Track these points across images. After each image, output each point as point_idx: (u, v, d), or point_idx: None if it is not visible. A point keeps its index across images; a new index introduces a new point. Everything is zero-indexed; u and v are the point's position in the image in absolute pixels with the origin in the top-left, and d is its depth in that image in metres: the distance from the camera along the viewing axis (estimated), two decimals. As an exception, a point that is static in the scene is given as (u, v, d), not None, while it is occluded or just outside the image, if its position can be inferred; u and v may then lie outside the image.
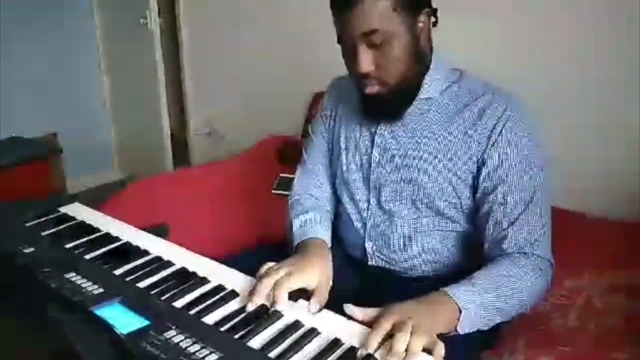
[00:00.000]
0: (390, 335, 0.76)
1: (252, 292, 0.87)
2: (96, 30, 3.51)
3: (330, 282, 0.99)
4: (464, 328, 0.89)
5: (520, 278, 0.96)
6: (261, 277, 0.90)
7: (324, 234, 1.14)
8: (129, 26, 3.22)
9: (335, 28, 1.04)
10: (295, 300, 0.88)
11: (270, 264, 0.95)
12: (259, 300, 0.85)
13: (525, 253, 1.00)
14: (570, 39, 1.87)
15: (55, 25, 3.25)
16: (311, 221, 1.15)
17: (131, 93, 3.49)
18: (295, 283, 0.90)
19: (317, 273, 0.96)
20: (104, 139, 3.70)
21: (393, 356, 0.72)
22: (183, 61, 3.37)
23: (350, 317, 0.83)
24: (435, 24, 1.08)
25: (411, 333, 0.75)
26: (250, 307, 0.84)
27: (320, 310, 0.87)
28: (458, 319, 0.88)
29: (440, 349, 0.75)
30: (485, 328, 0.94)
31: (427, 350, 0.75)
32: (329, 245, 1.12)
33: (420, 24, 1.03)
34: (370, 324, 0.80)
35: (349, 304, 0.84)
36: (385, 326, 0.77)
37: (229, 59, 3.10)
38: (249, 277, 0.94)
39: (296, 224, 1.15)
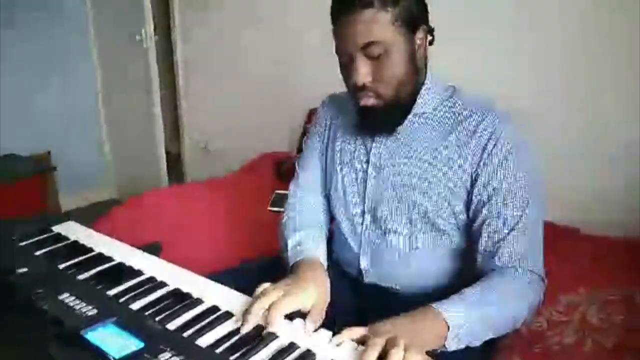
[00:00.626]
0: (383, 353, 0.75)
1: (246, 313, 0.86)
2: (92, 46, 3.52)
3: (327, 301, 0.99)
4: (452, 344, 0.89)
5: (510, 293, 0.96)
6: (257, 297, 0.89)
7: (319, 252, 1.13)
8: (125, 43, 3.24)
9: (333, 39, 1.05)
10: (291, 319, 0.88)
11: (266, 284, 0.94)
12: (253, 321, 0.85)
13: (516, 267, 1.01)
14: (569, 54, 1.90)
15: (50, 42, 3.25)
16: (305, 240, 1.14)
17: (126, 109, 3.49)
18: (291, 305, 0.89)
19: (313, 294, 0.95)
20: (98, 155, 3.69)
21: None
22: (178, 77, 3.38)
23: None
24: (431, 42, 1.09)
25: (404, 350, 0.74)
26: (245, 329, 0.83)
27: (316, 329, 0.86)
28: (446, 335, 0.88)
29: None
30: (476, 344, 0.93)
31: None
32: (325, 263, 1.11)
33: (418, 41, 1.04)
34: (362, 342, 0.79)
35: (337, 336, 0.82)
36: (379, 344, 0.76)
37: (224, 75, 3.12)
38: (244, 297, 0.94)
39: (290, 243, 1.15)
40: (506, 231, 1.02)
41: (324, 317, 0.92)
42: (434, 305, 0.90)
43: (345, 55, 1.03)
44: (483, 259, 1.05)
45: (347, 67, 1.04)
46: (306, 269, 1.04)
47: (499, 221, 1.03)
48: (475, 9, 2.04)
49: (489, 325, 0.94)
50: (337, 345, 0.80)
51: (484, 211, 1.04)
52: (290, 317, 0.88)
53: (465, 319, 0.89)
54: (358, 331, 0.82)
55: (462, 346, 0.91)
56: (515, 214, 1.02)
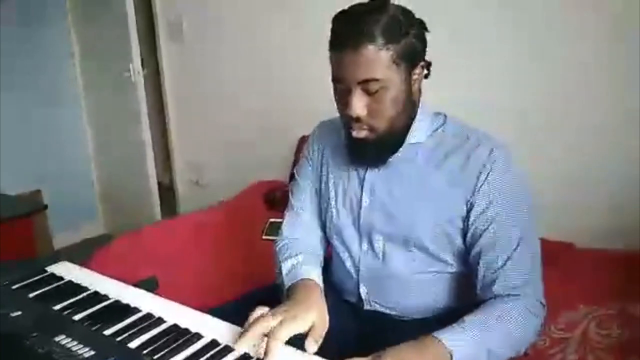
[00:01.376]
0: None
1: (239, 338, 0.85)
2: (79, 82, 3.53)
3: (327, 321, 0.98)
4: None
5: (511, 320, 0.96)
6: (251, 324, 0.88)
7: (315, 274, 1.11)
8: (113, 78, 3.25)
9: (330, 64, 1.04)
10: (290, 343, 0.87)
11: (263, 309, 0.92)
12: (244, 347, 0.84)
13: (516, 295, 1.00)
14: (569, 75, 1.92)
15: (37, 78, 3.26)
16: (300, 263, 1.13)
17: (116, 144, 3.49)
18: (289, 331, 0.88)
19: (311, 316, 0.93)
20: (88, 191, 3.67)
21: None
22: (167, 110, 3.40)
23: None
24: (427, 76, 1.09)
25: None
26: (239, 350, 0.83)
27: (316, 349, 0.86)
28: None
29: None
30: None
31: None
32: (321, 285, 1.10)
33: (415, 76, 1.05)
34: None
35: None
36: None
37: (213, 105, 3.14)
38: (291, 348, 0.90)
39: (285, 267, 1.14)
40: (504, 260, 1.02)
41: (323, 336, 0.91)
42: (436, 334, 0.89)
43: (342, 86, 1.03)
44: (482, 287, 1.05)
45: (342, 96, 1.04)
46: (303, 291, 1.03)
47: (495, 251, 1.03)
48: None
49: (491, 352, 0.93)
50: None
51: (481, 240, 1.04)
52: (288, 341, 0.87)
53: (466, 346, 0.89)
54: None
55: None
56: (510, 244, 1.02)
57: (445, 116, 1.15)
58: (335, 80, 1.04)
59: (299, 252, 1.17)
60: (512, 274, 1.01)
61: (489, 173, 1.03)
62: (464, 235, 1.08)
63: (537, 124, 1.95)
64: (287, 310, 0.93)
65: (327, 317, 0.99)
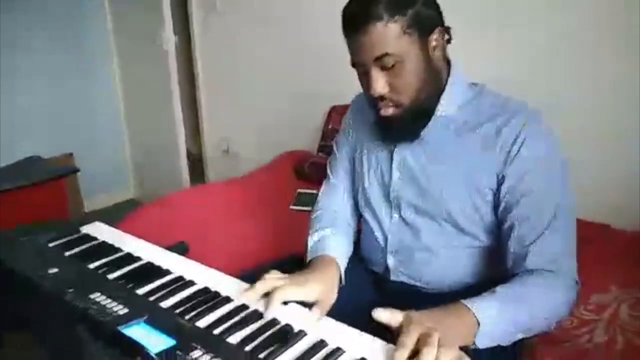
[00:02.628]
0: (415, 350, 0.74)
1: (247, 290, 0.90)
2: (113, 50, 3.57)
3: (333, 300, 1.00)
4: (482, 342, 0.88)
5: (543, 295, 0.95)
6: (258, 282, 0.92)
7: (338, 250, 1.13)
8: (144, 46, 3.27)
9: (349, 52, 1.05)
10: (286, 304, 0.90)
11: (274, 272, 0.96)
12: (244, 300, 0.89)
13: (549, 270, 0.98)
14: (587, 51, 1.86)
15: (72, 46, 3.31)
16: (326, 238, 1.15)
17: (147, 112, 3.53)
18: (292, 295, 0.91)
19: (318, 288, 0.97)
20: (120, 157, 3.74)
21: None
22: (198, 79, 3.41)
23: (375, 335, 0.82)
24: (449, 41, 1.07)
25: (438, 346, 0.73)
26: (239, 301, 0.89)
27: (319, 319, 0.88)
28: (477, 333, 0.87)
29: None
30: (506, 343, 0.92)
31: None
32: (343, 262, 1.12)
33: (433, 43, 1.03)
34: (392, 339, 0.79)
35: (377, 309, 0.83)
36: (410, 342, 0.75)
37: (244, 75, 3.13)
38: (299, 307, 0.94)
39: (312, 240, 1.16)
40: (537, 234, 1.00)
41: (327, 310, 0.94)
42: (465, 301, 0.89)
43: (360, 68, 1.03)
44: (514, 261, 1.03)
45: (363, 79, 1.05)
46: (318, 265, 1.07)
47: (529, 224, 1.01)
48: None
49: (520, 325, 0.92)
50: (377, 317, 0.81)
51: (513, 214, 1.02)
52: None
53: (496, 317, 0.88)
54: (396, 317, 0.81)
55: (492, 344, 0.90)
56: (546, 216, 1.00)
57: (483, 86, 1.13)
58: (354, 64, 1.05)
59: (328, 226, 1.19)
60: (545, 249, 0.99)
61: (523, 142, 1.01)
62: (495, 209, 1.07)
63: (570, 103, 1.90)
64: (295, 278, 0.97)
65: (333, 296, 1.01)
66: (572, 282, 1.00)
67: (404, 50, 0.98)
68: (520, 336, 0.94)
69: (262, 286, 0.91)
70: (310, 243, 1.16)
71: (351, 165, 1.27)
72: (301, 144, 2.73)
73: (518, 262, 1.02)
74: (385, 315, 0.82)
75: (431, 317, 0.82)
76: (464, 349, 0.77)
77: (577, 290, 1.01)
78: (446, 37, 1.06)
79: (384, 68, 0.99)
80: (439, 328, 0.78)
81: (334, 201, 1.27)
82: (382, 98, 1.03)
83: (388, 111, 1.04)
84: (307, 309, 0.90)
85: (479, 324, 0.86)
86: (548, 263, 0.99)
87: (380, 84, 1.01)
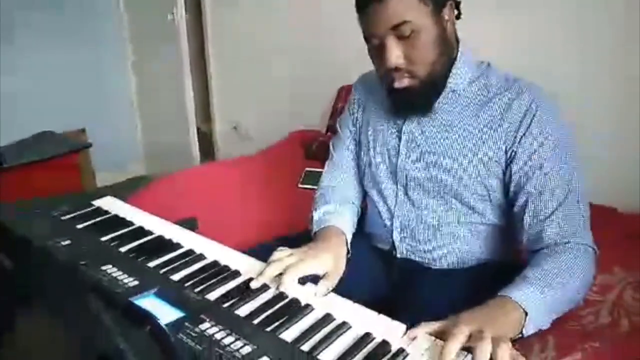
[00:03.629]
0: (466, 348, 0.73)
1: (260, 274, 0.91)
2: (124, 26, 3.56)
3: (342, 269, 1.03)
4: (529, 330, 0.86)
5: (570, 271, 0.94)
6: (272, 262, 0.94)
7: (342, 223, 1.15)
8: (156, 22, 3.27)
9: (360, 27, 1.05)
10: (303, 284, 0.91)
11: (284, 249, 0.98)
12: (263, 280, 0.90)
13: (569, 242, 0.98)
14: (590, 34, 1.84)
15: (84, 22, 3.31)
16: (330, 212, 1.18)
17: (158, 88, 3.54)
18: (305, 270, 0.93)
19: (328, 260, 0.99)
20: (131, 134, 3.76)
21: None
22: (209, 56, 3.40)
23: (381, 312, 0.83)
24: (458, 16, 1.08)
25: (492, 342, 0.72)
26: (254, 285, 0.89)
27: (326, 293, 0.90)
28: (524, 322, 0.85)
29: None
30: (547, 326, 0.92)
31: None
32: (348, 234, 1.14)
33: (445, 16, 1.03)
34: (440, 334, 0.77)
35: (411, 329, 0.78)
36: (461, 337, 0.73)
37: (255, 54, 3.12)
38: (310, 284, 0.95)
39: (316, 215, 1.19)
40: (552, 208, 1.00)
41: (335, 283, 0.97)
42: (505, 293, 0.87)
43: (376, 40, 1.03)
44: (530, 237, 1.03)
45: (378, 52, 1.04)
46: (325, 237, 1.09)
47: (543, 198, 1.01)
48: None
49: (558, 305, 0.92)
50: (412, 339, 0.77)
51: (527, 189, 1.02)
52: (302, 282, 0.92)
53: (538, 302, 0.87)
54: (433, 325, 0.79)
55: (536, 330, 0.89)
56: (560, 190, 1.00)
57: (489, 64, 1.13)
58: (368, 37, 1.04)
59: (332, 201, 1.21)
60: (563, 222, 0.99)
61: (534, 116, 1.02)
62: (506, 187, 1.07)
63: (572, 86, 1.88)
64: (306, 251, 0.99)
65: (343, 265, 1.04)
66: (592, 251, 1.00)
67: (420, 20, 0.99)
68: (556, 316, 0.93)
69: (273, 269, 0.92)
70: (315, 217, 1.18)
71: (355, 145, 1.27)
72: (311, 123, 2.73)
73: (535, 238, 1.02)
74: (421, 329, 0.78)
75: (478, 315, 0.80)
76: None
77: (597, 258, 1.01)
78: (455, 12, 1.06)
79: (400, 38, 1.00)
80: (493, 326, 0.76)
81: (337, 180, 1.28)
82: (397, 69, 1.03)
83: (403, 82, 1.04)
84: (312, 285, 0.92)
85: (526, 314, 0.85)
86: (567, 235, 0.99)
87: (396, 53, 1.01)
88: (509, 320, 0.84)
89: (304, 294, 0.88)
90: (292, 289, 0.89)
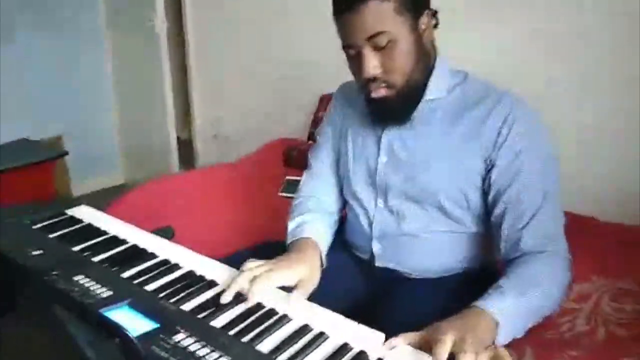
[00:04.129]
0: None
1: (229, 284, 0.89)
2: (103, 33, 3.52)
3: (317, 280, 1.02)
4: (501, 340, 0.86)
5: (545, 279, 0.95)
6: (242, 271, 0.92)
7: (318, 234, 1.14)
8: (136, 29, 3.23)
9: (339, 35, 1.04)
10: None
11: (254, 261, 0.97)
12: (234, 290, 0.88)
13: (543, 251, 0.99)
14: (580, 44, 1.87)
15: (61, 27, 3.26)
16: (306, 222, 1.17)
17: (137, 96, 3.50)
18: (275, 280, 0.93)
19: (299, 271, 0.99)
20: (109, 141, 3.70)
21: None
22: (189, 63, 3.38)
23: (360, 321, 0.82)
24: (436, 25, 1.08)
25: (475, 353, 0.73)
26: (224, 300, 0.86)
27: (300, 301, 0.89)
28: (497, 332, 0.85)
29: None
30: (522, 334, 0.92)
31: None
32: (323, 245, 1.14)
33: (423, 25, 1.03)
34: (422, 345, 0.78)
35: (390, 339, 0.79)
36: (449, 342, 0.74)
37: (235, 61, 3.11)
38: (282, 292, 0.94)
39: (291, 225, 1.18)
40: (529, 217, 1.01)
41: (309, 293, 0.96)
42: (478, 304, 0.87)
43: (353, 50, 1.03)
44: (507, 246, 1.04)
45: (355, 62, 1.04)
46: (299, 248, 1.08)
47: (521, 207, 1.01)
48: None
49: (532, 314, 0.92)
50: (391, 349, 0.77)
51: (505, 197, 1.03)
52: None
53: (510, 311, 0.87)
54: (413, 335, 0.80)
55: (510, 339, 0.89)
56: (536, 198, 1.01)
57: (466, 73, 1.13)
58: (345, 46, 1.04)
59: (309, 211, 1.20)
60: (540, 230, 1.00)
61: (513, 123, 1.02)
62: (484, 196, 1.07)
63: (563, 92, 1.91)
64: (277, 262, 0.98)
65: (317, 276, 1.03)
66: (567, 259, 1.01)
67: (396, 31, 0.99)
68: (531, 324, 0.93)
69: (243, 278, 0.90)
70: (290, 228, 1.17)
71: (335, 154, 1.27)
72: (292, 131, 2.72)
73: (512, 246, 1.03)
74: (400, 339, 0.79)
75: (457, 325, 0.80)
76: None
77: (571, 265, 1.02)
78: (433, 21, 1.06)
79: (377, 48, 0.99)
80: (473, 334, 0.77)
81: (315, 189, 1.27)
82: (374, 79, 1.03)
83: (380, 92, 1.04)
84: (286, 293, 0.91)
85: (497, 324, 0.85)
86: (544, 244, 0.99)
87: (373, 64, 1.00)
88: (482, 330, 0.84)
89: (274, 303, 0.87)
90: (261, 299, 0.88)
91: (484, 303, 0.87)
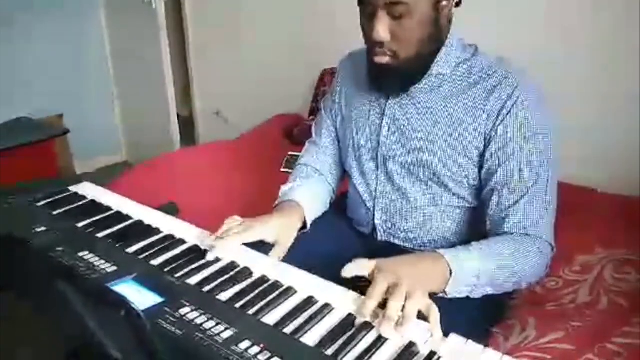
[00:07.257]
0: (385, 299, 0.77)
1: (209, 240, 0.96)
2: (101, 10, 3.47)
3: (292, 238, 1.07)
4: (451, 290, 0.90)
5: (516, 253, 0.97)
6: (220, 233, 0.98)
7: (303, 198, 1.16)
8: (134, 5, 3.19)
9: None
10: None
11: (237, 218, 1.04)
12: (209, 243, 0.95)
13: (527, 235, 1.00)
14: (575, 19, 1.85)
15: (59, 6, 3.21)
16: (296, 187, 1.19)
17: (137, 72, 3.46)
18: (250, 236, 0.99)
19: (276, 228, 1.04)
20: (110, 120, 3.68)
21: (388, 322, 0.73)
22: (188, 40, 3.34)
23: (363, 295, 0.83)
24: (458, 3, 1.05)
25: (406, 297, 0.76)
26: (224, 262, 0.92)
27: (278, 261, 0.95)
28: (448, 280, 0.89)
29: (435, 313, 0.75)
30: (475, 296, 0.95)
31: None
32: (307, 205, 1.15)
33: (444, 3, 1.01)
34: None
35: (345, 267, 0.86)
36: (378, 293, 0.77)
37: (235, 37, 3.07)
38: (261, 255, 0.95)
39: (282, 191, 1.21)
40: (517, 198, 1.01)
41: (285, 252, 1.02)
42: (440, 250, 0.92)
43: (368, 9, 1.01)
44: (492, 223, 1.05)
45: (367, 20, 1.02)
46: (279, 209, 1.14)
47: (510, 187, 1.02)
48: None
49: (490, 279, 0.95)
50: (347, 276, 0.84)
51: (497, 176, 1.03)
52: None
53: (468, 268, 0.91)
54: (366, 265, 0.85)
55: (461, 295, 0.93)
56: (528, 181, 1.01)
57: (476, 48, 1.12)
58: (361, 2, 1.02)
59: (301, 177, 1.23)
60: (523, 214, 1.01)
61: (513, 106, 1.01)
62: (480, 169, 1.07)
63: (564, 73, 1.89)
64: (256, 220, 1.04)
65: (293, 234, 1.08)
66: (548, 248, 1.02)
67: (417, 3, 0.97)
68: (489, 290, 0.97)
69: (217, 234, 0.97)
70: (280, 193, 1.21)
71: (336, 127, 1.27)
72: (292, 107, 2.71)
73: (497, 225, 1.04)
74: (353, 268, 0.85)
75: (404, 262, 0.86)
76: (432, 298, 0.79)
77: (552, 254, 1.04)
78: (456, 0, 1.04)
79: (391, 16, 0.98)
80: (411, 272, 0.82)
81: (314, 159, 1.29)
82: (381, 45, 1.01)
83: (383, 59, 1.03)
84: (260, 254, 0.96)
85: (451, 273, 0.89)
86: (525, 228, 1.01)
87: (383, 29, 0.99)
88: (432, 273, 0.89)
89: (244, 259, 0.92)
90: (231, 254, 0.93)
91: (446, 251, 0.92)
